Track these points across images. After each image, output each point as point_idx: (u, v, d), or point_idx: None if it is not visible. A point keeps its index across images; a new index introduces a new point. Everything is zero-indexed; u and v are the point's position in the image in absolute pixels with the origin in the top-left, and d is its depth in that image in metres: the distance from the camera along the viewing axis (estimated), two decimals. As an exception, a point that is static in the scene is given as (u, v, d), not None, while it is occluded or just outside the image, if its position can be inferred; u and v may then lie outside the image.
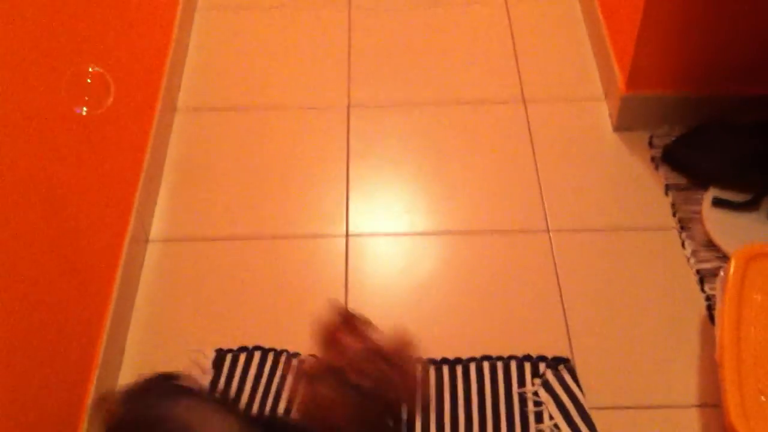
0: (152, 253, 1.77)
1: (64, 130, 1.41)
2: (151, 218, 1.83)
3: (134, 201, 1.73)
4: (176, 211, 1.86)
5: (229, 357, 1.59)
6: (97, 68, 1.26)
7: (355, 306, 1.65)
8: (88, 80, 1.27)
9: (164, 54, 2.03)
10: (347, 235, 1.80)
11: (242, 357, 1.60)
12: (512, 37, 2.20)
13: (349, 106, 2.06)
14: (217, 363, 1.58)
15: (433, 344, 1.59)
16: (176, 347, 1.62)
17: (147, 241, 1.79)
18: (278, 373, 1.57)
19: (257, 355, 1.59)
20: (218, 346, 1.60)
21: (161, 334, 1.64)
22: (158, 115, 1.91)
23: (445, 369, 1.56)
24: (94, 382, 1.47)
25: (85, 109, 1.25)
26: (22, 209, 1.25)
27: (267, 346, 1.60)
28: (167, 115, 2.00)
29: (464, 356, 1.58)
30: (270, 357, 1.59)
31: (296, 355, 1.59)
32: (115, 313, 1.58)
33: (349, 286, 1.70)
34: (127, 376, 1.58)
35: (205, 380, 1.55)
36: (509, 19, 2.25)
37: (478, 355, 1.58)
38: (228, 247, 1.78)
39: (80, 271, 1.47)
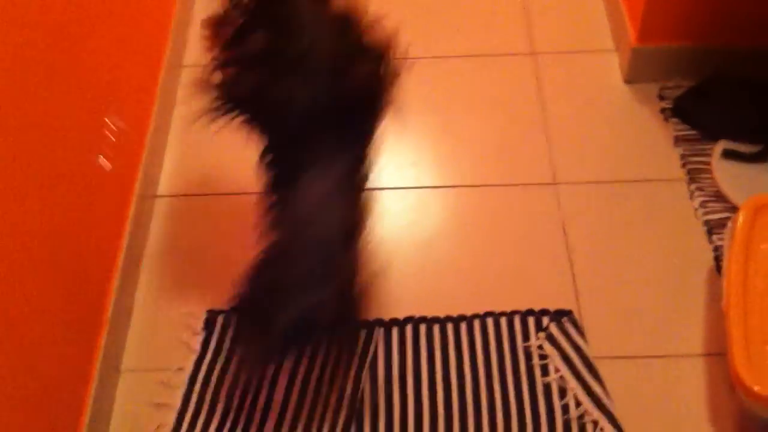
0: (160, 209, 1.78)
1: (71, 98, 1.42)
2: (159, 173, 1.84)
3: (142, 155, 1.74)
4: (184, 166, 1.86)
5: (220, 318, 1.60)
6: (115, 122, 1.26)
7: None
8: (108, 132, 1.28)
9: (169, 15, 2.03)
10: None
11: (234, 318, 1.59)
12: (521, -11, 2.17)
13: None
14: (208, 324, 1.59)
15: (439, 299, 1.60)
16: (180, 309, 1.64)
17: (155, 196, 1.80)
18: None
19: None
20: (210, 308, 1.61)
21: (169, 292, 1.66)
22: (164, 69, 1.91)
23: (449, 326, 1.57)
24: (104, 335, 1.49)
25: (102, 158, 1.26)
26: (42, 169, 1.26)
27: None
28: (174, 72, 2.00)
29: (469, 312, 1.58)
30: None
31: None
32: (124, 269, 1.59)
33: (356, 240, 1.71)
34: (134, 336, 1.60)
35: (196, 342, 1.57)
36: (518, -30, 2.22)
37: (484, 310, 1.58)
38: (235, 202, 1.79)
39: (91, 225, 1.48)
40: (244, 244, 1.69)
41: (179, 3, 2.06)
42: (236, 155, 1.87)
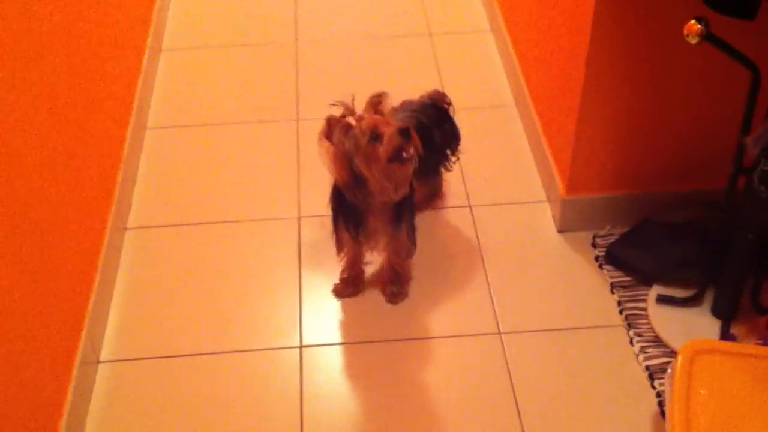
0: (103, 375, 1.75)
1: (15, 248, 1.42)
2: (102, 338, 1.81)
3: (84, 321, 1.72)
4: (127, 329, 1.84)
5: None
6: None
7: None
8: None
9: (114, 173, 2.06)
10: (301, 346, 1.80)
11: None
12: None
13: (299, 218, 2.09)
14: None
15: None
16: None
17: (98, 362, 1.77)
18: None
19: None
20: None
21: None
22: (109, 234, 1.92)
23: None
24: None
25: None
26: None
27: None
28: (117, 234, 2.01)
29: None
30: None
31: None
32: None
33: (304, 398, 1.70)
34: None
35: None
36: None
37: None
38: (180, 364, 1.76)
39: (31, 395, 1.44)
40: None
41: (124, 164, 2.10)
42: (182, 317, 1.87)
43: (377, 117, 1.62)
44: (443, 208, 2.10)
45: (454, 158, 1.97)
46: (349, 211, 1.71)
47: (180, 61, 2.64)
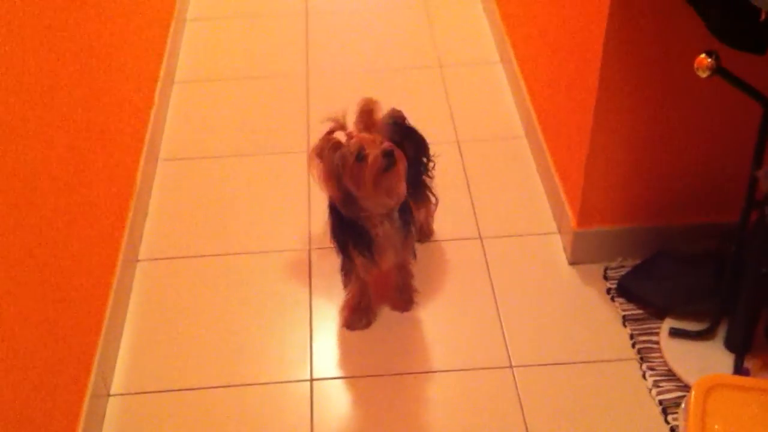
0: (114, 408, 1.74)
1: (24, 275, 1.42)
2: (113, 371, 1.81)
3: (95, 354, 1.72)
4: (138, 362, 1.84)
5: None
6: None
7: None
8: None
9: (126, 204, 2.07)
10: (312, 379, 1.79)
11: None
12: (466, 179, 2.27)
13: (310, 250, 2.09)
14: None
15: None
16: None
17: (108, 395, 1.76)
18: None
19: None
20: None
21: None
22: (120, 265, 1.92)
23: None
24: None
25: None
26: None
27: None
28: (129, 266, 2.01)
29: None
30: None
31: None
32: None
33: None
34: None
35: None
36: (462, 160, 2.33)
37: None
38: (190, 397, 1.76)
39: (42, 429, 1.44)
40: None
41: (136, 195, 2.11)
42: (193, 350, 1.86)
43: (365, 136, 1.61)
44: (454, 239, 2.10)
45: (431, 164, 1.97)
46: (357, 235, 1.71)
47: (192, 94, 2.66)
